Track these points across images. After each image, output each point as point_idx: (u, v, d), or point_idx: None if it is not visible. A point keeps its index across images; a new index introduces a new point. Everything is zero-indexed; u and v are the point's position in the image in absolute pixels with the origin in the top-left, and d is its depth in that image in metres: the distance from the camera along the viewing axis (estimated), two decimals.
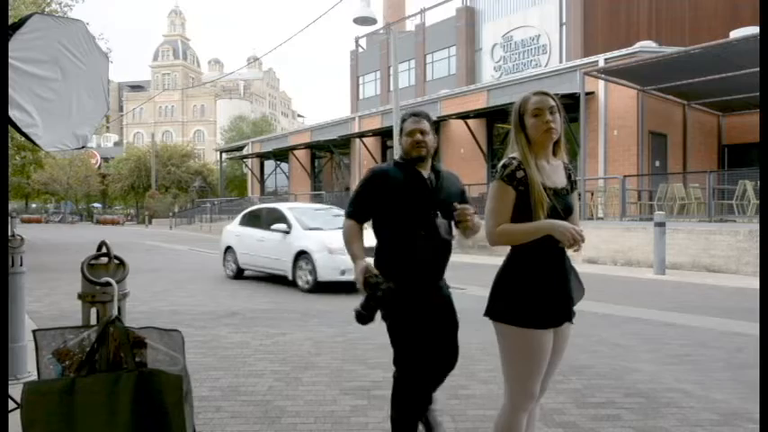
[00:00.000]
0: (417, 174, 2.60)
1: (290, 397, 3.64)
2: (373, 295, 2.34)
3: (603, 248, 12.36)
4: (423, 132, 2.60)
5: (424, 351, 2.54)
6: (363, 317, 2.38)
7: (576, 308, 2.09)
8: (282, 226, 9.03)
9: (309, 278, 8.38)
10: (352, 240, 2.59)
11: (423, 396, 2.62)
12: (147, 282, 9.36)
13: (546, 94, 2.05)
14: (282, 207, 9.84)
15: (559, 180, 2.05)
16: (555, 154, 2.08)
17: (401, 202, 2.57)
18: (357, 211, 2.64)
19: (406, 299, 2.49)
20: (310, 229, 8.90)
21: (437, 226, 2.54)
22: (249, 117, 63.99)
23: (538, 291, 1.97)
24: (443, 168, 2.75)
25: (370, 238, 2.65)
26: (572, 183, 2.12)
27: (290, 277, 8.70)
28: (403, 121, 2.69)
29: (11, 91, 2.91)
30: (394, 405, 2.61)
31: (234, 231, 10.44)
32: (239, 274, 10.12)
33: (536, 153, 2.01)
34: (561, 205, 2.00)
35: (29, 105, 3.08)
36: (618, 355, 4.64)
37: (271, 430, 3.10)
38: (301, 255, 8.58)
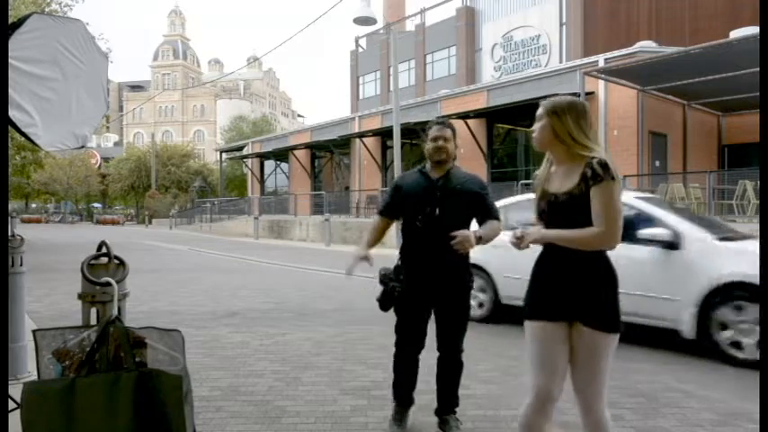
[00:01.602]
0: (425, 175, 2.98)
1: (290, 397, 3.63)
2: (385, 291, 2.93)
3: None
4: (445, 139, 2.93)
5: (412, 329, 2.99)
6: (381, 305, 2.96)
7: None
8: (659, 233, 4.82)
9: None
10: (369, 231, 3.15)
11: (401, 364, 3.08)
12: (147, 282, 9.35)
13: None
14: (635, 199, 5.35)
15: (565, 184, 2.06)
16: (572, 158, 2.07)
17: (407, 198, 3.00)
18: (381, 209, 3.17)
19: (410, 283, 2.92)
20: (725, 238, 4.87)
21: (434, 219, 2.84)
22: (249, 117, 63.98)
23: (535, 285, 2.15)
24: (461, 172, 3.00)
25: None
26: (587, 179, 1.99)
27: (690, 333, 4.64)
28: (429, 127, 3.01)
29: (10, 91, 2.91)
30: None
31: None
32: (496, 313, 6.01)
33: (554, 159, 2.16)
34: (554, 209, 2.09)
35: (28, 105, 3.07)
36: (617, 356, 4.62)
37: (271, 430, 3.10)
38: (728, 292, 4.44)
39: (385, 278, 2.96)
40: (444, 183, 2.91)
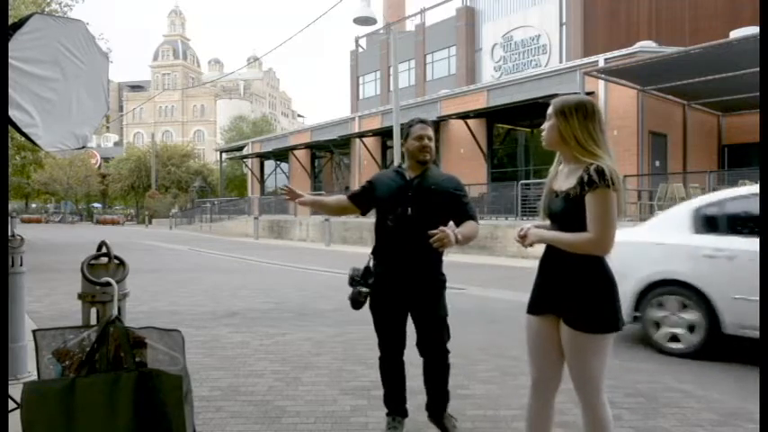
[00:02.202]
0: (401, 174, 2.90)
1: (290, 397, 3.63)
2: (356, 293, 2.90)
3: None
4: (429, 138, 2.85)
5: (389, 333, 2.92)
6: (353, 305, 2.92)
7: None
8: None
9: None
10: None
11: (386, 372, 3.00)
12: (147, 282, 9.35)
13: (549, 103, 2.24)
14: None
15: (565, 184, 2.09)
16: (576, 159, 2.08)
17: (380, 196, 2.92)
18: (352, 193, 3.07)
19: (382, 285, 2.86)
20: None
21: (406, 219, 2.77)
22: (249, 117, 64.01)
23: (534, 282, 2.24)
24: (437, 172, 2.92)
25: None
26: (583, 184, 2.00)
27: None
28: (410, 126, 2.90)
29: (11, 91, 2.91)
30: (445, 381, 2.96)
31: (688, 245, 4.69)
32: (713, 344, 4.54)
33: (562, 158, 2.19)
34: (553, 207, 2.14)
35: (29, 105, 3.08)
36: (618, 355, 4.64)
37: (271, 430, 3.10)
38: None
39: (353, 281, 2.90)
40: (419, 182, 2.82)
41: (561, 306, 2.09)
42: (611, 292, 2.06)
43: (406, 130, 2.91)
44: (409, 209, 2.77)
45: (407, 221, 2.76)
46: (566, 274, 2.08)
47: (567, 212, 2.05)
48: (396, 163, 3.16)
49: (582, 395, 2.11)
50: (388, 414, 3.03)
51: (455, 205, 2.82)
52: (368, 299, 2.89)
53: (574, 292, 2.06)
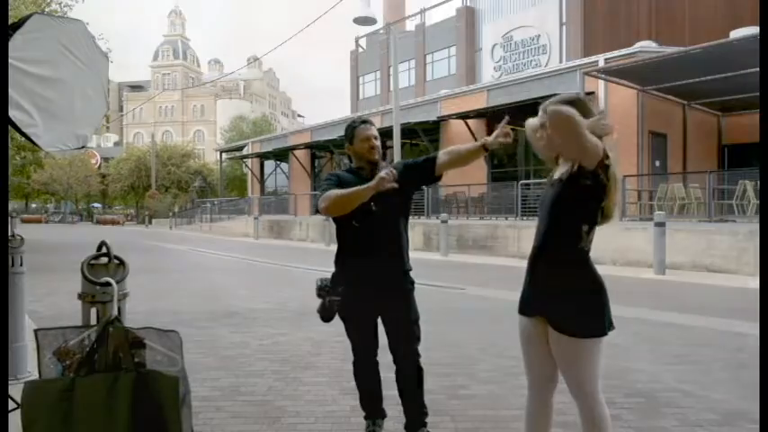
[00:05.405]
0: (357, 174, 2.79)
1: (290, 397, 3.63)
2: (323, 305, 2.77)
3: (603, 248, 12.36)
4: (376, 138, 2.81)
5: (364, 342, 2.85)
6: (322, 318, 2.80)
7: None
8: None
9: None
10: (340, 192, 2.61)
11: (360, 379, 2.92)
12: (147, 282, 9.35)
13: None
14: None
15: (558, 174, 2.13)
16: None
17: None
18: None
19: (353, 291, 2.74)
20: None
21: (372, 216, 2.69)
22: (249, 117, 64.01)
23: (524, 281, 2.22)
24: (385, 165, 2.84)
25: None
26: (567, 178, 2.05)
27: None
28: (353, 128, 2.83)
29: (11, 91, 2.91)
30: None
31: None
32: None
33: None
34: (546, 198, 2.18)
35: (29, 105, 3.08)
36: (618, 355, 4.64)
37: (271, 430, 3.10)
38: None
39: (322, 291, 2.78)
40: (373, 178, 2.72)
41: (548, 309, 2.07)
42: (599, 296, 2.04)
43: (349, 132, 2.83)
44: (372, 204, 2.66)
45: (372, 218, 2.69)
46: (553, 277, 2.06)
47: (558, 198, 2.05)
48: (350, 165, 3.00)
49: (576, 397, 2.10)
50: (366, 418, 2.95)
51: (414, 168, 2.80)
52: (337, 308, 2.77)
53: (560, 296, 2.04)
